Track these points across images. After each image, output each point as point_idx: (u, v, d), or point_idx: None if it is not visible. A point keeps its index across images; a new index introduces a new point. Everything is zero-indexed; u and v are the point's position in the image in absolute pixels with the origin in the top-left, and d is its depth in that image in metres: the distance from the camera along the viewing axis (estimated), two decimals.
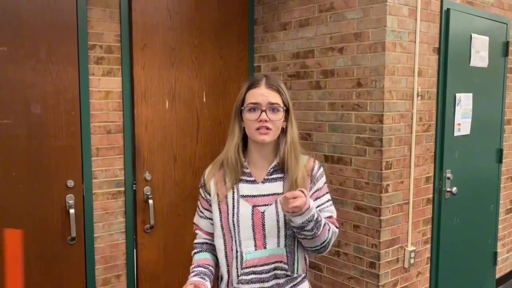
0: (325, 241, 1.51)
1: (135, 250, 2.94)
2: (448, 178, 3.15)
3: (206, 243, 1.67)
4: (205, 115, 3.16)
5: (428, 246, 3.14)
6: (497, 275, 3.89)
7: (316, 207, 1.51)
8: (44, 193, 2.57)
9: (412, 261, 2.96)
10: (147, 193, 2.92)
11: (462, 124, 3.22)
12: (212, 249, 1.65)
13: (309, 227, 1.44)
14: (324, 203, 1.58)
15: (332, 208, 1.59)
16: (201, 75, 3.14)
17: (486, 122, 3.49)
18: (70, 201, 2.64)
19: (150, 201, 2.91)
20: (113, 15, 2.73)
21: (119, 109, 2.80)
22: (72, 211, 2.63)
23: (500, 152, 3.70)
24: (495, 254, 3.79)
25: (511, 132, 3.84)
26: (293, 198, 1.36)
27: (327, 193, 1.60)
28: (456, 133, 3.18)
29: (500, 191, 3.76)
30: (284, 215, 1.50)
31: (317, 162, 1.61)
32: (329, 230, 1.52)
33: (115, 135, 2.80)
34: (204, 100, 3.16)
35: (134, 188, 2.89)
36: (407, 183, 2.88)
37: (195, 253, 1.67)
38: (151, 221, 2.93)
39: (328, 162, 2.99)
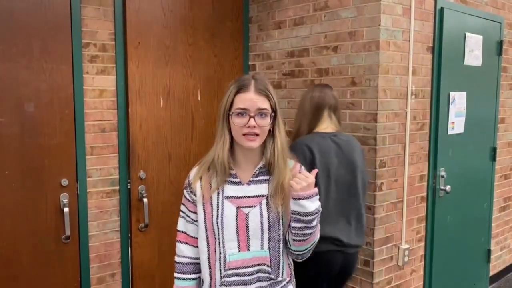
0: (313, 243, 1.54)
1: (129, 248, 2.94)
2: (442, 177, 3.16)
3: (191, 263, 1.63)
4: (199, 114, 3.16)
5: (422, 244, 3.15)
6: (491, 273, 3.91)
7: None
8: (38, 192, 2.57)
9: (406, 259, 2.97)
10: (142, 192, 2.92)
11: (456, 122, 3.24)
12: (196, 270, 1.63)
13: (314, 223, 1.46)
14: None
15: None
16: (195, 74, 3.13)
17: (479, 121, 3.50)
18: (64, 200, 2.64)
19: (145, 200, 2.91)
20: (107, 14, 2.73)
21: (113, 108, 2.79)
22: (66, 209, 2.62)
23: (493, 151, 3.72)
24: (488, 252, 3.81)
25: (505, 131, 3.86)
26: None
27: None
28: (450, 132, 3.20)
29: (493, 189, 3.78)
30: (268, 217, 1.50)
31: (303, 168, 1.61)
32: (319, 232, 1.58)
33: (110, 134, 2.79)
34: (199, 98, 3.15)
35: (128, 187, 2.89)
36: (401, 181, 2.89)
37: (177, 278, 1.64)
38: (145, 220, 2.92)
39: None
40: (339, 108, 2.31)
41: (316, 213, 1.46)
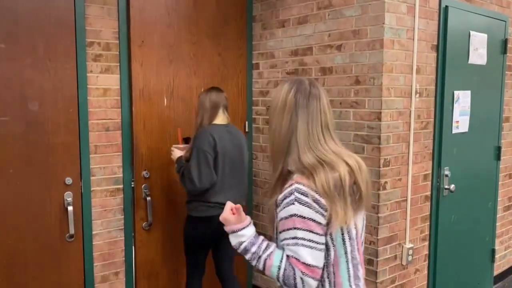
0: (275, 277, 1.41)
1: (133, 247, 2.94)
2: (446, 176, 3.15)
3: None
4: None
5: (426, 243, 3.14)
6: (495, 272, 3.89)
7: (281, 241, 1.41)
8: (42, 191, 2.58)
9: (410, 258, 2.96)
10: (145, 191, 2.92)
11: (460, 121, 3.23)
12: None
13: (247, 257, 1.45)
14: (286, 239, 1.38)
15: (296, 248, 1.35)
16: (199, 72, 3.14)
17: (484, 120, 3.49)
18: (68, 199, 2.64)
19: (148, 199, 2.91)
20: (111, 12, 2.73)
21: (117, 107, 2.80)
22: (70, 208, 2.63)
23: (498, 150, 3.70)
24: (493, 251, 3.80)
25: (509, 130, 3.85)
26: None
27: (291, 229, 1.36)
28: (454, 131, 3.19)
29: (498, 188, 3.76)
30: None
31: (289, 190, 1.37)
32: (278, 270, 1.38)
33: (113, 133, 2.80)
34: None
35: (132, 186, 2.90)
36: (405, 180, 2.88)
37: None
38: (149, 219, 2.93)
39: None
40: (228, 106, 2.84)
41: (237, 248, 1.46)
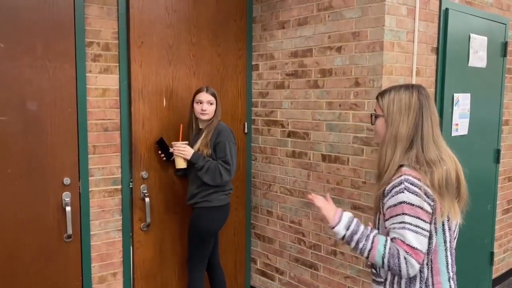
0: (380, 257, 1.51)
1: (131, 248, 2.93)
2: None
3: None
4: None
5: None
6: (494, 275, 3.89)
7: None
8: (40, 190, 2.57)
9: None
10: (144, 191, 2.92)
11: (460, 124, 3.22)
12: None
13: (352, 246, 1.57)
14: (393, 223, 1.51)
15: (402, 231, 1.48)
16: (198, 73, 3.13)
17: (484, 123, 3.48)
18: (66, 199, 2.64)
19: (147, 199, 2.90)
20: (110, 12, 2.72)
21: (116, 107, 2.79)
22: (68, 208, 2.62)
23: (497, 153, 3.69)
24: (491, 254, 3.79)
25: (509, 133, 3.84)
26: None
27: (399, 215, 1.49)
28: (453, 133, 3.18)
29: (497, 191, 3.76)
30: None
31: (399, 180, 1.52)
32: (384, 248, 1.49)
33: (112, 133, 2.79)
34: None
35: (130, 186, 2.89)
36: None
37: None
38: (147, 219, 2.92)
39: (325, 161, 2.99)
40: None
41: (345, 234, 1.55)
